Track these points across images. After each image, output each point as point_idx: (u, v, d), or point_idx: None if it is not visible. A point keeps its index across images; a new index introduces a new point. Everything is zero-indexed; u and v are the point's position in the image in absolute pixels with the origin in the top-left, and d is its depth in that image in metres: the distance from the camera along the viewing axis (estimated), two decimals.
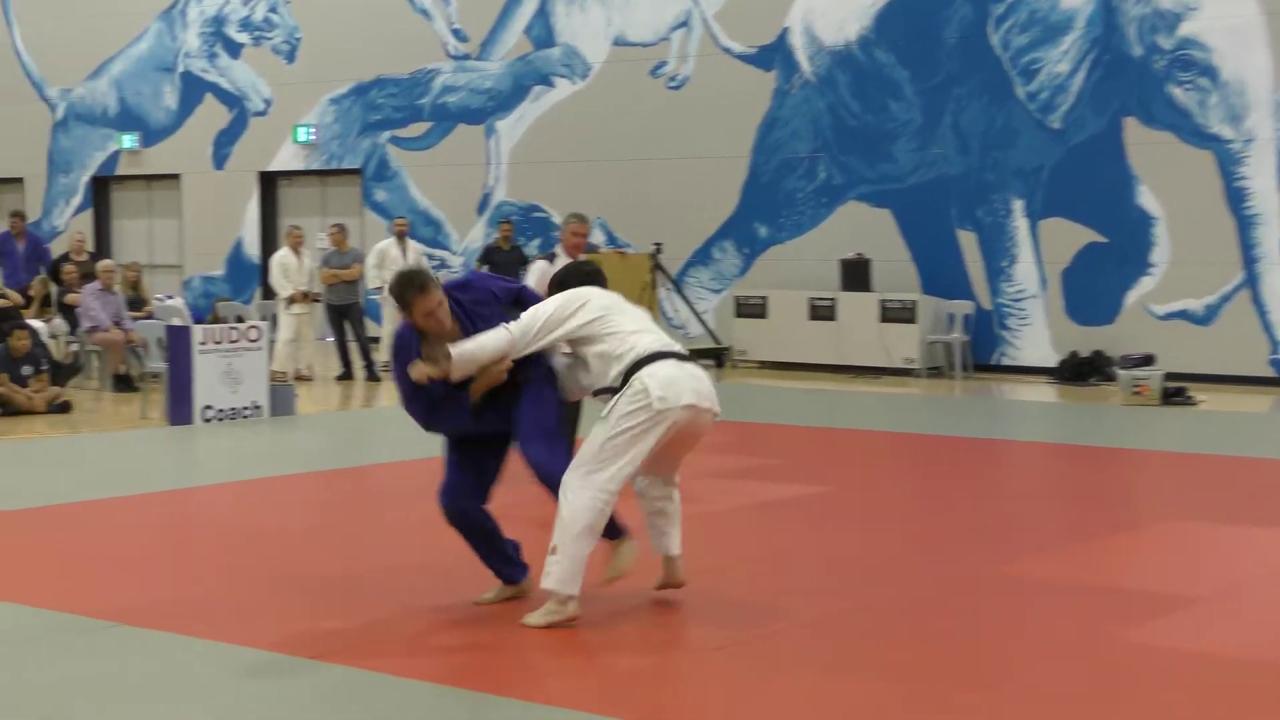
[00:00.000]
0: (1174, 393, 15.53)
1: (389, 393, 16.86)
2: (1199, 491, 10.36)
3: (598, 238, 21.29)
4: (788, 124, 20.03)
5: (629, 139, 21.01)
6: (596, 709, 5.43)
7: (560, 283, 7.00)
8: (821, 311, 19.00)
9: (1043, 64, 18.21)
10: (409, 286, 6.59)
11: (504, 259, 19.76)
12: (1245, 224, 17.05)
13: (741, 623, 6.61)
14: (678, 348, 6.68)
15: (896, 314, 18.48)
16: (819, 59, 19.72)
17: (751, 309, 19.57)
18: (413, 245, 19.39)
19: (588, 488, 6.41)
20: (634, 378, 6.46)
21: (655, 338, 6.65)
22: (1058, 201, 18.12)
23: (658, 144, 20.76)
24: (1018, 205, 18.45)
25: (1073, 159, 18.05)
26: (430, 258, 21.46)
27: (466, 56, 22.62)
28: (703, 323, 19.77)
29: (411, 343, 6.65)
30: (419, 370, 6.49)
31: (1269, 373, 16.93)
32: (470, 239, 22.54)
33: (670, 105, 20.83)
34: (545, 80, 21.95)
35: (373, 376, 17.59)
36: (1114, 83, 17.75)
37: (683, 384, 6.50)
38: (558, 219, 21.29)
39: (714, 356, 19.56)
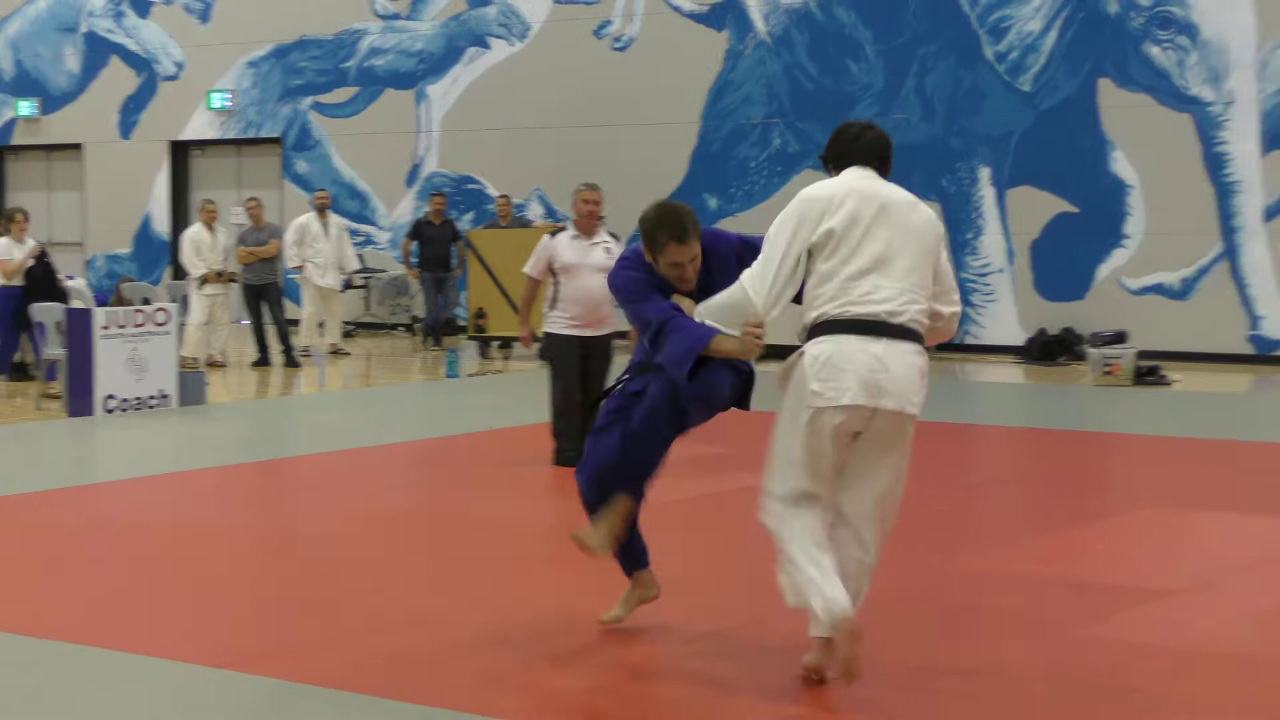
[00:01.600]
0: (1147, 372, 15.63)
1: (309, 379, 16.77)
2: (1174, 476, 10.41)
3: (535, 210, 21.23)
4: (740, 88, 20.01)
5: (570, 104, 20.93)
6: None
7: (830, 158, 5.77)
8: None
9: (1013, 22, 18.27)
10: (678, 224, 5.84)
11: (435, 234, 19.68)
12: (1224, 192, 17.16)
13: (689, 630, 6.58)
14: (883, 310, 5.42)
15: None
16: (774, 18, 19.71)
17: None
18: (335, 220, 19.34)
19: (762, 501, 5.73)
20: (804, 349, 5.54)
21: (860, 293, 5.42)
22: (1027, 169, 18.19)
23: (601, 110, 20.69)
24: (984, 173, 18.50)
25: (1043, 124, 18.12)
26: (354, 234, 21.35)
27: (395, 16, 22.48)
28: None
29: (640, 268, 6.04)
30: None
31: (1248, 350, 17.05)
32: (399, 213, 22.43)
33: (615, 67, 20.76)
34: (480, 42, 21.84)
35: (291, 362, 17.47)
36: (1088, 42, 17.83)
37: (850, 374, 5.41)
38: (493, 191, 21.25)
39: None
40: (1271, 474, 10.43)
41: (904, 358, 5.44)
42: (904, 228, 5.51)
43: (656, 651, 6.24)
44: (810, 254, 5.50)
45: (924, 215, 5.61)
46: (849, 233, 5.45)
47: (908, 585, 7.33)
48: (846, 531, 5.68)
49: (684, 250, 5.89)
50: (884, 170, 5.71)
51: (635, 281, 6.04)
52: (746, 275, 5.61)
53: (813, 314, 5.51)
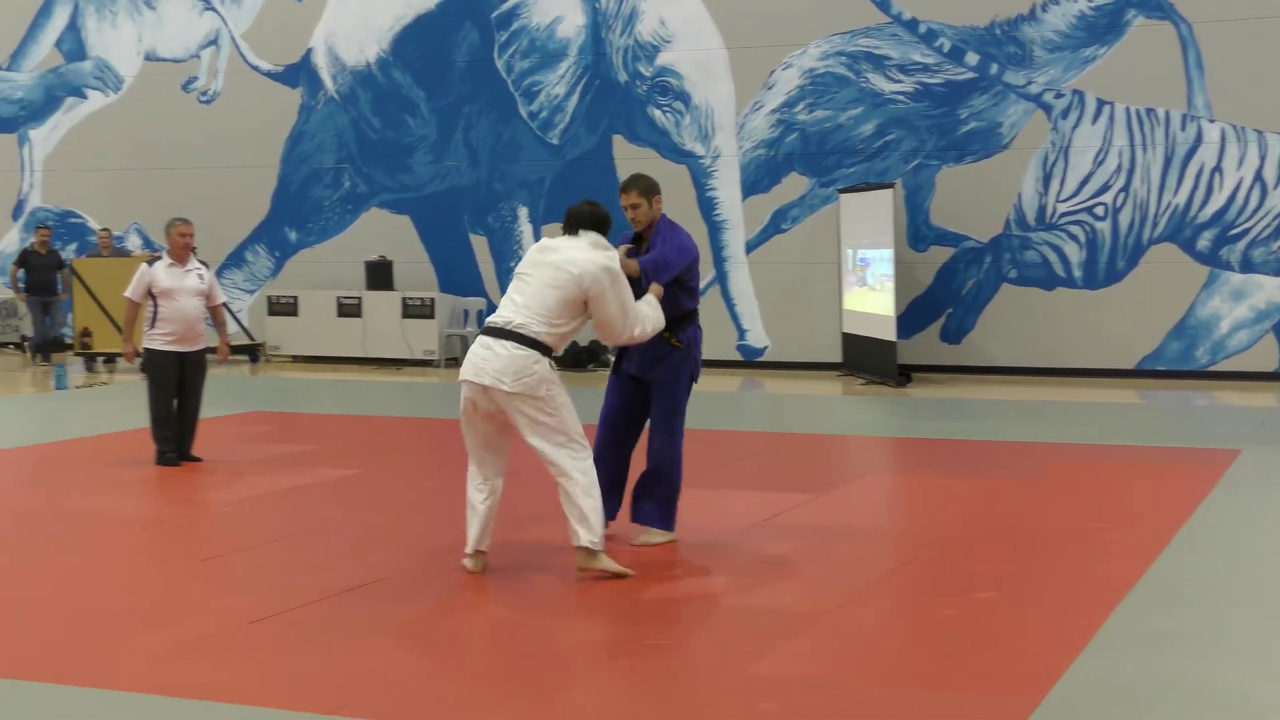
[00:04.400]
0: None
1: None
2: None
3: (134, 242, 20.42)
4: (314, 137, 19.74)
5: (163, 149, 20.22)
6: (126, 686, 5.22)
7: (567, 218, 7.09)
8: (348, 309, 18.84)
9: (542, 87, 18.60)
10: (626, 180, 7.49)
11: (41, 263, 18.72)
12: (715, 229, 17.93)
13: (274, 597, 6.49)
14: (503, 321, 6.67)
15: (417, 310, 18.53)
16: (342, 78, 19.52)
17: (284, 307, 19.22)
18: None
19: None
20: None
21: (501, 311, 6.74)
22: (557, 209, 18.52)
23: (191, 154, 20.07)
24: (523, 212, 18.80)
25: (569, 171, 18.53)
26: None
27: None
28: (237, 320, 19.25)
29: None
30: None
31: (737, 357, 17.88)
32: (5, 243, 21.18)
33: (202, 118, 20.17)
34: (78, 92, 20.85)
35: None
36: (603, 104, 18.32)
37: (468, 359, 6.67)
38: (94, 224, 20.36)
39: (248, 352, 19.10)
40: (755, 456, 10.94)
41: (504, 349, 6.59)
42: (546, 269, 6.76)
43: (261, 606, 6.14)
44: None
45: (565, 262, 6.77)
46: (520, 273, 6.87)
47: (452, 557, 7.41)
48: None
49: (624, 196, 7.42)
50: (572, 231, 6.97)
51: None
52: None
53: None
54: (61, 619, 6.18)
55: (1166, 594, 6.56)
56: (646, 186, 7.40)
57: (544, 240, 7.02)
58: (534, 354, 6.59)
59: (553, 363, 6.68)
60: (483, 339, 6.68)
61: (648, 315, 6.94)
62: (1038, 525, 8.16)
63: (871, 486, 9.85)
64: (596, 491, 6.69)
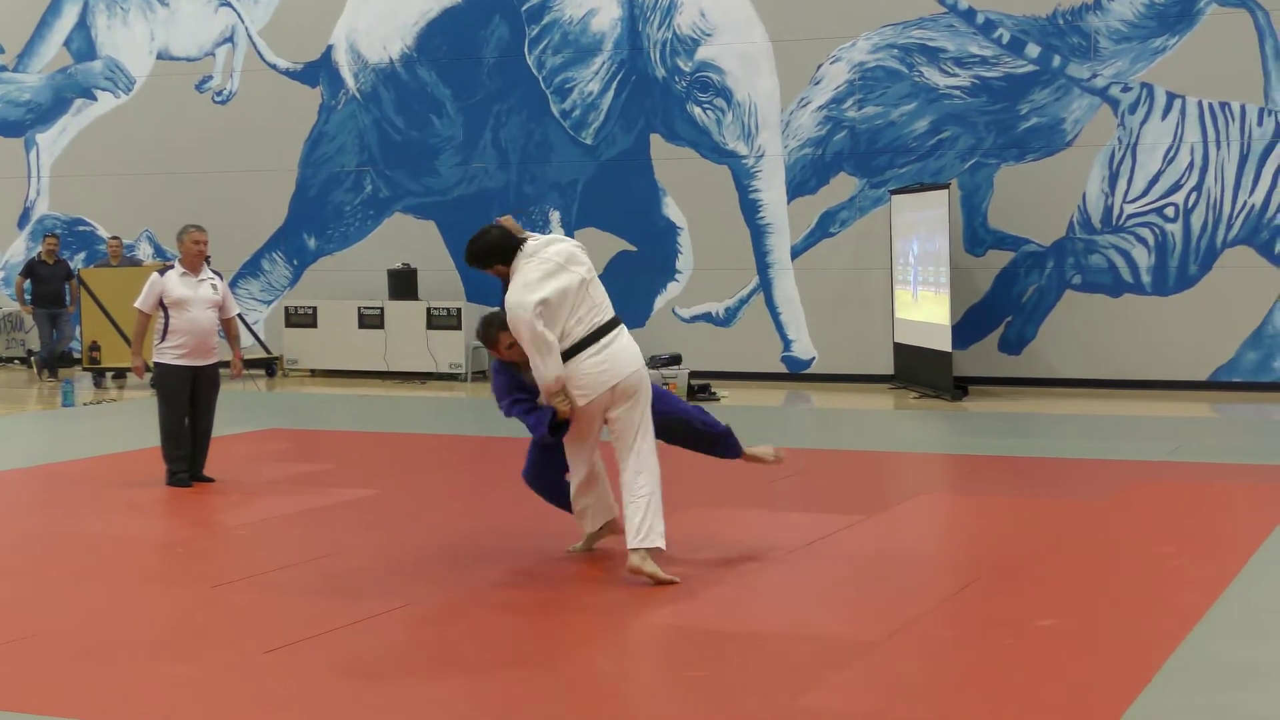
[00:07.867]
0: (699, 389, 16.20)
1: None
2: (719, 479, 10.72)
3: (144, 250, 20.57)
4: (334, 139, 19.84)
5: (176, 152, 20.36)
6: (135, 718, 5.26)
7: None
8: (370, 320, 18.92)
9: (575, 83, 18.64)
10: (492, 325, 7.56)
11: (48, 273, 18.89)
12: (759, 233, 17.92)
13: (291, 624, 6.51)
14: None
15: (442, 321, 18.58)
16: (364, 76, 19.62)
17: (302, 319, 19.31)
18: None
19: None
20: None
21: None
22: (591, 212, 18.59)
23: (205, 157, 20.20)
24: (555, 216, 18.83)
25: (604, 173, 18.56)
26: None
27: (3, 68, 21.42)
28: (253, 333, 19.36)
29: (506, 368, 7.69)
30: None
31: (782, 369, 17.85)
32: (12, 253, 21.37)
33: (217, 119, 20.31)
34: (87, 93, 21.03)
35: None
36: (640, 102, 18.35)
37: None
38: (104, 233, 20.52)
39: (264, 366, 19.20)
40: (800, 475, 10.90)
41: None
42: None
43: (289, 632, 6.16)
44: None
45: None
46: None
47: (474, 586, 7.41)
48: None
49: (494, 350, 7.70)
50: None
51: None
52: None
53: None
54: (71, 649, 6.22)
55: (1240, 623, 6.51)
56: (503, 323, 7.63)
57: (567, 246, 7.80)
58: None
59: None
60: None
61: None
62: (1103, 549, 8.11)
63: (925, 507, 9.81)
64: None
